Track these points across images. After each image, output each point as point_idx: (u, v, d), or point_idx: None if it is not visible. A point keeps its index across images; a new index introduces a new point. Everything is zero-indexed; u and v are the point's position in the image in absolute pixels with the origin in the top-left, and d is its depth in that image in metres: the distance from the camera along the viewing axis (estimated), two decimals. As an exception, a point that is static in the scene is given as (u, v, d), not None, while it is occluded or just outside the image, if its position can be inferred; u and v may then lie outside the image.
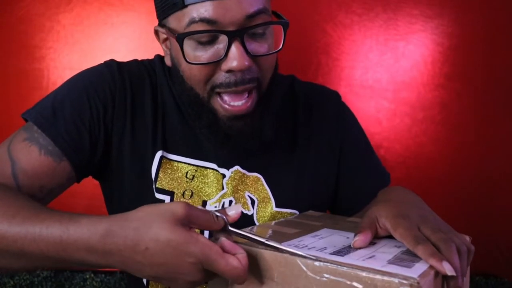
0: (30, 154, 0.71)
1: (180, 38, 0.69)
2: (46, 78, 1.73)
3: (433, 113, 1.90)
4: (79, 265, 0.57)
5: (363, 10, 1.86)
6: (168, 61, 0.80)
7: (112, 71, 0.79)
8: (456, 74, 1.87)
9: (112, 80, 0.78)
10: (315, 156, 0.88)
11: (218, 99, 0.73)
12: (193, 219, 0.53)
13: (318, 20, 1.85)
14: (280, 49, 0.74)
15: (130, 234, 0.53)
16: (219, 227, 0.56)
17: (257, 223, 0.81)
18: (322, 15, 1.85)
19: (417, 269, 0.48)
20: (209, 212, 0.55)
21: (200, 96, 0.74)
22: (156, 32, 0.80)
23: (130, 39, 1.75)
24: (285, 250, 0.53)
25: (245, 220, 0.80)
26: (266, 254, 0.54)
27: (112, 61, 0.82)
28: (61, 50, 1.72)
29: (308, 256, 0.51)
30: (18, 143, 0.72)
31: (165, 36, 0.78)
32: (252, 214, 0.82)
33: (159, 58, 0.86)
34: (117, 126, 0.78)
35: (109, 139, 0.78)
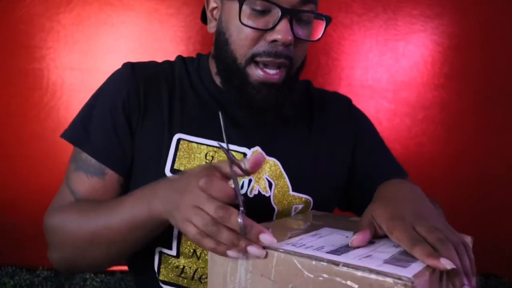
0: (81, 181, 0.80)
1: (242, 0, 0.75)
2: (46, 78, 1.73)
3: (433, 113, 1.90)
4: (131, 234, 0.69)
5: (363, 10, 1.86)
6: (212, 28, 0.85)
7: (123, 73, 0.85)
8: (456, 74, 1.87)
9: (124, 81, 0.84)
10: (329, 144, 0.91)
11: (254, 66, 0.78)
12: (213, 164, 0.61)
13: (318, 20, 1.85)
14: (319, 39, 0.81)
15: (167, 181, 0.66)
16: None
17: (274, 206, 0.83)
18: (322, 15, 1.85)
19: (413, 269, 0.48)
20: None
21: (238, 61, 0.79)
22: (207, 0, 0.85)
23: (130, 39, 1.75)
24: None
25: (263, 202, 0.82)
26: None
27: (126, 63, 0.87)
28: (61, 50, 1.72)
29: (307, 255, 0.51)
30: (71, 175, 0.82)
31: (215, 5, 0.84)
32: (270, 196, 0.83)
33: (181, 57, 0.92)
34: (134, 122, 0.82)
35: (132, 135, 0.83)
